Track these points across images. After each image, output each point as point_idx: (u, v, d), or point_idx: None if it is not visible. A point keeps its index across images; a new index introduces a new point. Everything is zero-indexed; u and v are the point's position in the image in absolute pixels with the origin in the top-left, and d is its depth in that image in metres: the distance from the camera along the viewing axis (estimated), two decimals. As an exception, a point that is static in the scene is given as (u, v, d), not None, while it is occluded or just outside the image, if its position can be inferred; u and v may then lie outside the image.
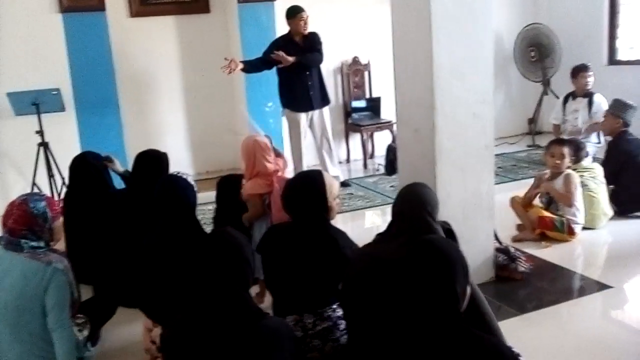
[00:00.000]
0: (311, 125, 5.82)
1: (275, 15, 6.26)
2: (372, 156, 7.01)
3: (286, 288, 2.63)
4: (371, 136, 6.97)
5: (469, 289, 1.72)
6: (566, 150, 4.25)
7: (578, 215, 4.18)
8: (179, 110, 6.69)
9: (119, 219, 3.58)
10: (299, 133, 5.76)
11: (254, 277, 2.09)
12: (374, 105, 6.94)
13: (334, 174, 5.93)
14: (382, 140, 6.90)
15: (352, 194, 5.72)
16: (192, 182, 2.84)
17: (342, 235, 2.62)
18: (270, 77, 6.00)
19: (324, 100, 5.78)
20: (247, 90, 6.32)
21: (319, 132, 5.86)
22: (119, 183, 4.14)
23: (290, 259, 2.59)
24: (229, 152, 6.84)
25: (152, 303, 2.72)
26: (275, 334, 1.82)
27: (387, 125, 6.65)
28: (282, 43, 5.56)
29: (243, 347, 1.78)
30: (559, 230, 4.12)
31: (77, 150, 4.75)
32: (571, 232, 4.14)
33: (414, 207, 2.32)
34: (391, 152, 6.18)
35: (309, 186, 2.67)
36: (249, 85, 6.29)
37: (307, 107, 5.71)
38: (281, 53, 5.34)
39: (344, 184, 5.89)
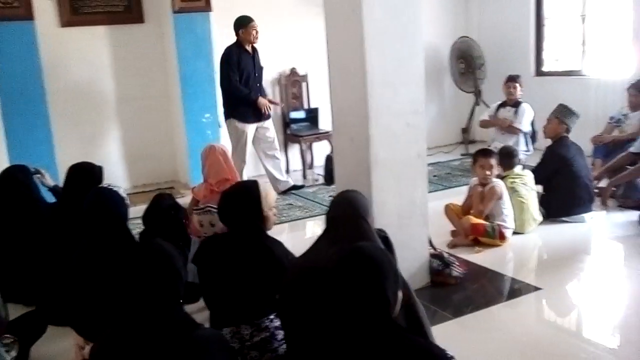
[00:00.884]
0: (256, 137, 5.85)
1: (212, 26, 6.23)
2: (311, 166, 7.06)
3: (222, 299, 2.61)
4: (310, 146, 7.01)
5: (400, 294, 1.76)
6: (493, 161, 4.41)
7: (508, 220, 4.33)
8: (113, 121, 6.53)
9: (48, 234, 3.46)
10: (244, 144, 5.78)
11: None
12: (312, 116, 7.00)
13: (284, 180, 6.01)
14: (321, 150, 6.96)
15: (291, 204, 5.73)
16: (124, 195, 2.79)
17: (278, 245, 2.63)
18: (206, 89, 5.97)
19: (268, 114, 5.91)
20: (184, 101, 6.25)
21: (267, 143, 5.89)
22: (50, 197, 4.01)
23: (226, 270, 2.58)
24: (166, 164, 6.75)
25: (83, 319, 2.64)
26: (208, 345, 1.80)
27: (326, 135, 6.71)
28: (238, 54, 5.64)
29: (175, 359, 1.76)
30: (490, 236, 4.25)
31: (5, 165, 4.57)
32: (502, 237, 4.29)
33: (348, 213, 2.35)
34: (330, 162, 6.22)
35: (243, 196, 2.67)
36: (186, 96, 6.22)
37: (257, 118, 5.78)
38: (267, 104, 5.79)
39: (296, 187, 6.08)
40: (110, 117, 6.51)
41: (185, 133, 6.33)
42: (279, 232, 4.75)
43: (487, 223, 4.29)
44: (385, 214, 3.30)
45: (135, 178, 6.61)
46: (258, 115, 5.79)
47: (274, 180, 6.00)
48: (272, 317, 2.55)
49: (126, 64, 6.45)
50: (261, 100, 5.75)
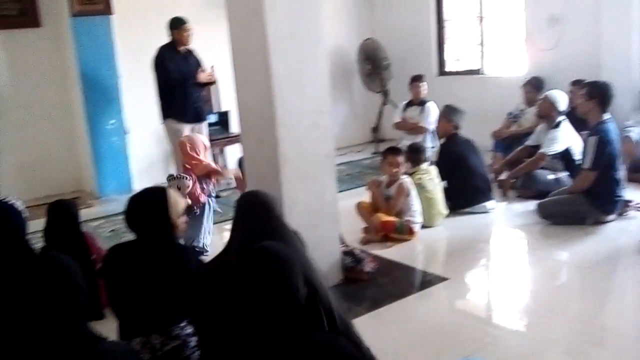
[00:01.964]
0: None
1: (113, 29, 6.04)
2: (224, 170, 6.97)
3: (131, 309, 2.53)
4: (222, 150, 6.94)
5: (304, 288, 1.78)
6: (401, 159, 4.55)
7: (416, 215, 4.48)
8: (8, 131, 6.18)
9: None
10: None
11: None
12: (223, 120, 6.93)
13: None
14: (233, 153, 6.89)
15: (204, 209, 5.64)
16: (21, 208, 2.65)
17: (187, 251, 2.58)
18: (110, 94, 5.78)
19: (205, 114, 5.90)
20: (87, 108, 6.02)
21: None
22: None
23: (133, 279, 2.50)
24: (70, 174, 6.47)
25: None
26: (111, 358, 1.75)
27: (238, 138, 6.63)
28: (170, 54, 5.53)
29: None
30: (400, 232, 4.38)
31: None
32: (411, 232, 4.43)
33: (256, 213, 2.33)
34: (242, 165, 6.19)
35: (150, 203, 2.60)
36: (88, 102, 6.00)
37: (195, 118, 5.71)
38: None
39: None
40: (6, 126, 6.16)
41: (89, 140, 6.09)
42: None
43: (397, 220, 4.41)
44: (295, 214, 3.32)
45: (37, 189, 6.27)
46: (194, 115, 5.71)
47: None
48: (183, 324, 2.50)
49: (22, 69, 6.14)
50: (201, 74, 5.63)
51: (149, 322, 2.47)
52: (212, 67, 5.82)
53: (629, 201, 4.61)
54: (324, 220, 3.53)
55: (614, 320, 3.16)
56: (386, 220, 4.39)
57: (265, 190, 2.98)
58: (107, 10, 5.96)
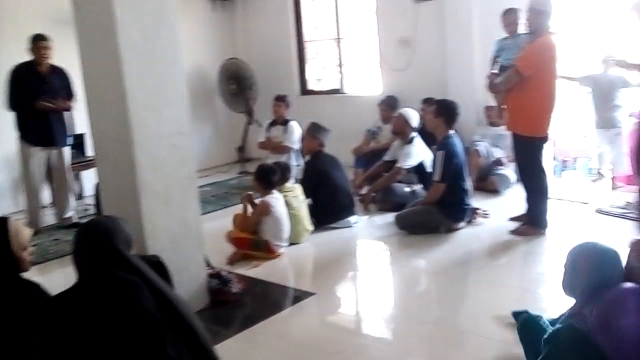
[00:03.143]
0: (49, 164, 5.44)
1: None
2: (80, 197, 6.61)
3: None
4: (78, 175, 6.57)
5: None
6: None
7: (279, 234, 4.49)
8: None
9: None
10: (33, 170, 5.39)
11: None
12: (78, 142, 6.55)
13: (70, 214, 5.51)
14: (90, 178, 6.55)
15: (58, 239, 5.30)
16: None
17: (32, 287, 2.40)
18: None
19: (65, 139, 5.56)
20: None
21: (58, 172, 5.47)
22: None
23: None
24: None
25: None
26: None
27: (94, 162, 6.33)
28: (23, 72, 5.21)
29: None
30: (258, 249, 4.39)
31: None
32: (270, 251, 4.41)
33: (100, 242, 2.18)
34: (99, 191, 5.91)
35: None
36: None
37: (47, 142, 5.39)
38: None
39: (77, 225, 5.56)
40: None
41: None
42: (42, 271, 4.42)
43: (252, 237, 4.42)
44: (158, 239, 3.23)
45: None
46: (45, 139, 5.36)
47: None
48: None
49: None
50: (38, 103, 5.24)
51: (-7, 366, 2.27)
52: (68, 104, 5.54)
53: (477, 209, 4.99)
54: (188, 244, 3.46)
55: (470, 322, 3.38)
56: (239, 237, 4.42)
57: (122, 216, 2.87)
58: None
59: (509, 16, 4.79)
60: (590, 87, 5.76)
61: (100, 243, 2.11)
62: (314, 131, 5.32)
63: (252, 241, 4.39)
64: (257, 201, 4.55)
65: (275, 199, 4.54)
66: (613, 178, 5.70)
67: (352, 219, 5.14)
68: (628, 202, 5.00)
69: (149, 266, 2.48)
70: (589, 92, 5.86)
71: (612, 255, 2.29)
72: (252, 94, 7.86)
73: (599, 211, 5.01)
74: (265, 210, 4.45)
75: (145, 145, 3.22)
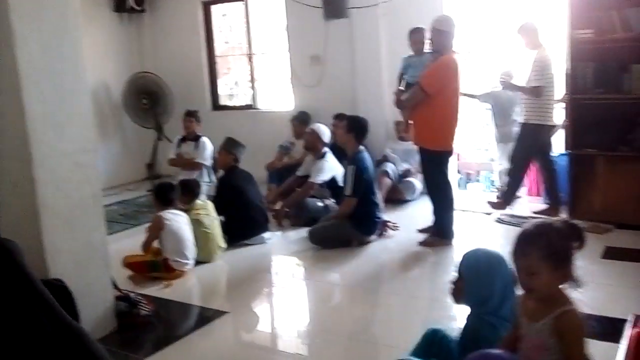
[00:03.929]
0: None
1: None
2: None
3: None
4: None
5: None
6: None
7: (181, 250, 4.34)
8: None
9: None
10: None
11: None
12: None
13: None
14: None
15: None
16: None
17: None
18: None
19: None
20: None
21: None
22: None
23: None
24: None
25: None
26: None
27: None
28: None
29: None
30: (156, 270, 4.25)
31: None
32: (169, 269, 4.27)
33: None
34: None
35: None
36: None
37: None
38: None
39: None
40: None
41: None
42: None
43: (148, 259, 4.29)
44: (59, 262, 3.08)
45: None
46: None
47: None
48: None
49: None
50: None
51: None
52: None
53: (387, 221, 5.12)
54: (93, 266, 3.31)
55: (383, 333, 3.46)
56: (134, 261, 4.30)
57: (21, 237, 2.73)
58: None
59: (416, 35, 4.98)
60: (490, 104, 6.09)
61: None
62: (229, 147, 5.27)
63: (147, 263, 4.27)
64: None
65: (173, 214, 4.41)
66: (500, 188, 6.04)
67: (266, 235, 5.13)
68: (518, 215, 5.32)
69: (50, 291, 2.38)
70: (489, 108, 6.20)
71: (503, 258, 2.33)
72: (161, 109, 7.67)
73: (499, 221, 5.28)
74: (158, 224, 4.31)
75: (46, 163, 3.07)
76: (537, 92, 5.14)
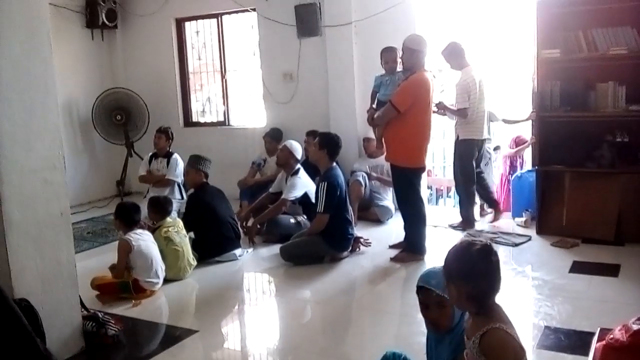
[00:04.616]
0: None
1: None
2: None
3: None
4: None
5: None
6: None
7: (150, 270, 4.27)
8: None
9: None
10: None
11: None
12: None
13: None
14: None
15: None
16: None
17: None
18: None
19: None
20: None
21: None
22: None
23: None
24: None
25: None
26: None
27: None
28: None
29: None
30: (127, 292, 4.18)
31: None
32: (140, 290, 4.21)
33: None
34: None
35: None
36: None
37: None
38: None
39: None
40: None
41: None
42: None
43: (117, 281, 4.22)
44: (25, 281, 3.02)
45: None
46: None
47: None
48: None
49: None
50: None
51: None
52: None
53: (359, 237, 5.13)
54: (61, 285, 3.24)
55: (354, 350, 3.45)
56: (102, 283, 4.23)
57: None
58: None
59: (388, 54, 5.02)
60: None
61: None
62: (196, 164, 5.22)
63: (116, 285, 4.20)
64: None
65: (138, 234, 4.34)
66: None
67: (237, 251, 5.09)
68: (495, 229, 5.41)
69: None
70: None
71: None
72: (133, 125, 7.60)
73: (467, 236, 5.34)
74: (126, 248, 4.24)
75: (13, 181, 3.01)
76: (463, 114, 5.42)
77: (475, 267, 1.94)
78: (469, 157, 5.56)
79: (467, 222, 5.65)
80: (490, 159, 6.04)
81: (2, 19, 2.96)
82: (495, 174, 6.71)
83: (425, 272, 2.39)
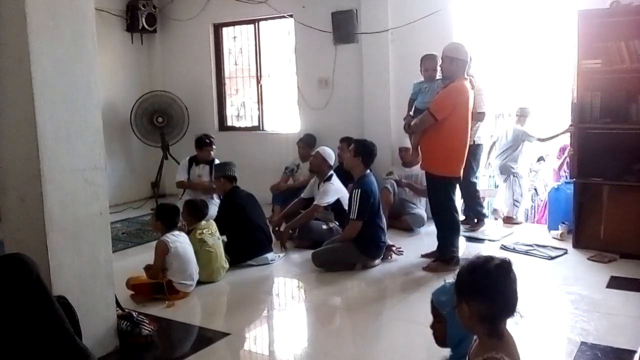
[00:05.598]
0: None
1: None
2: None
3: None
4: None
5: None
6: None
7: (185, 272, 4.30)
8: None
9: None
10: None
11: None
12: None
13: None
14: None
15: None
16: None
17: None
18: None
19: None
20: None
21: None
22: None
23: None
24: None
25: None
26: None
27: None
28: None
29: None
30: (161, 293, 4.21)
31: None
32: (173, 292, 4.24)
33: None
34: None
35: None
36: None
37: None
38: None
39: None
40: None
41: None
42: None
43: (151, 281, 4.25)
44: (63, 278, 3.08)
45: None
46: None
47: None
48: None
49: None
50: None
51: None
52: None
53: (392, 246, 5.10)
54: (98, 284, 3.31)
55: (385, 359, 3.41)
56: (138, 284, 4.27)
57: (27, 255, 2.75)
58: None
59: (428, 62, 4.98)
60: (498, 136, 6.21)
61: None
62: (221, 171, 5.30)
63: (150, 286, 4.23)
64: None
65: (175, 235, 4.38)
66: (505, 218, 6.14)
67: (270, 255, 5.11)
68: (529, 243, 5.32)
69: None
70: (495, 139, 6.31)
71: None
72: (170, 129, 7.70)
73: (503, 248, 5.27)
74: (164, 249, 4.28)
75: (56, 179, 3.08)
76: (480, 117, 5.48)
77: (492, 284, 1.84)
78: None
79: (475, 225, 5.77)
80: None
81: (49, 21, 3.04)
82: (539, 186, 6.67)
83: (441, 287, 2.31)
